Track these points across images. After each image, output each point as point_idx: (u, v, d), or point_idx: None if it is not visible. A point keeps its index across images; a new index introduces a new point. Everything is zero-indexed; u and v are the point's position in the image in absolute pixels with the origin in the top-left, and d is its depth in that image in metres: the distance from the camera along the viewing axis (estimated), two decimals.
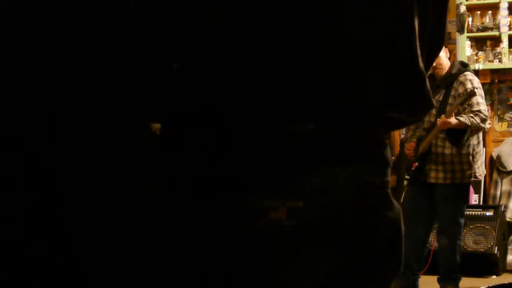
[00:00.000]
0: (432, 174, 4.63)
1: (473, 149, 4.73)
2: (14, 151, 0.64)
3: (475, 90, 4.51)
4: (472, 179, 4.74)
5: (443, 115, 4.49)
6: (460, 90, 4.62)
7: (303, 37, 0.83)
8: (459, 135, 4.54)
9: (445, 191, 4.62)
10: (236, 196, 0.81)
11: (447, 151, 4.63)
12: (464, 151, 4.62)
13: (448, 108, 4.55)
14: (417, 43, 0.92)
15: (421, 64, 0.92)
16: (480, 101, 4.58)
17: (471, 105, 4.55)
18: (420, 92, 0.93)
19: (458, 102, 4.53)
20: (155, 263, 0.79)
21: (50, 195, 0.67)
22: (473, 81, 4.66)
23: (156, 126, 0.89)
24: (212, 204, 0.82)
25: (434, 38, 1.03)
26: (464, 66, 4.79)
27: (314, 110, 0.84)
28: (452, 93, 4.64)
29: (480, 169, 4.71)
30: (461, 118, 4.49)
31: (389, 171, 0.97)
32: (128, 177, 0.79)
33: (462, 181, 4.65)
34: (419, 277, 4.75)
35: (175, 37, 0.83)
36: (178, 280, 0.81)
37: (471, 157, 4.67)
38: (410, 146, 4.75)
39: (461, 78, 4.66)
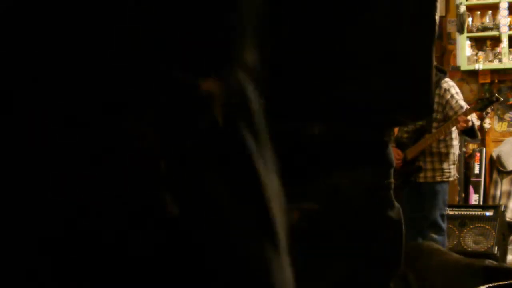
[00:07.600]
0: (421, 174, 4.74)
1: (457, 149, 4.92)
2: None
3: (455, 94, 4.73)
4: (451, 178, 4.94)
5: (461, 115, 4.56)
6: (447, 96, 4.70)
7: (314, 40, 0.83)
8: (473, 130, 4.67)
9: (434, 188, 4.75)
10: None
11: (444, 150, 4.73)
12: (452, 151, 4.78)
13: (466, 111, 4.61)
14: (431, 50, 0.93)
15: (433, 72, 0.94)
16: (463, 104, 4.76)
17: (453, 108, 4.68)
18: (427, 97, 0.94)
19: (479, 107, 4.77)
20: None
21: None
22: (454, 87, 4.80)
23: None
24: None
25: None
26: (442, 72, 4.88)
27: (324, 111, 0.85)
28: (437, 99, 4.68)
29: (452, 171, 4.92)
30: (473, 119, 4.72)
31: (392, 172, 0.97)
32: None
33: (448, 179, 4.83)
34: None
35: (175, 38, 0.83)
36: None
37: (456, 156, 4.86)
38: (395, 153, 4.76)
39: (444, 85, 4.75)
